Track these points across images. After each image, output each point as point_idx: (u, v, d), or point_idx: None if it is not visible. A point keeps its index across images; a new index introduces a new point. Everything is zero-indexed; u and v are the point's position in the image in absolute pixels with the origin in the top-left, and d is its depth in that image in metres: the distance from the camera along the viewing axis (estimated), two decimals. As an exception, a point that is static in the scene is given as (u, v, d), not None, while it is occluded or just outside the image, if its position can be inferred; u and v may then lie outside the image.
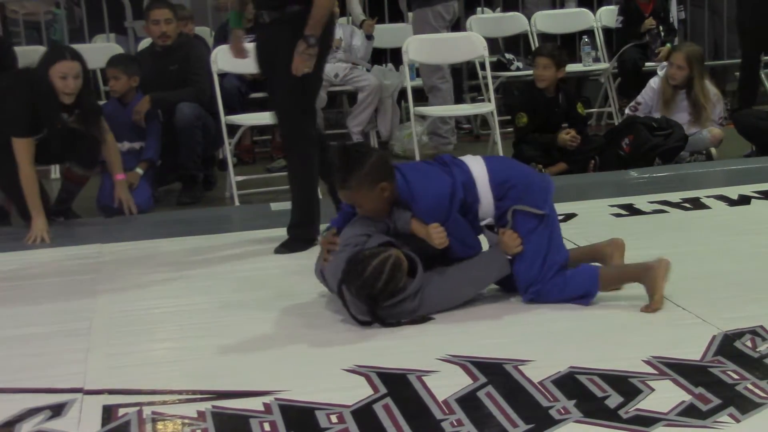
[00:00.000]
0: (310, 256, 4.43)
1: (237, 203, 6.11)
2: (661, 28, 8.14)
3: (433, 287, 3.56)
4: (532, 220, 3.59)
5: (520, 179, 3.63)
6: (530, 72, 7.13)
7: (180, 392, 3.03)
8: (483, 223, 3.64)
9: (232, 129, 6.47)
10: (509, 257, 3.61)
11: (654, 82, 6.83)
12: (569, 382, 2.96)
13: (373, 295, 3.43)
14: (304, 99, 4.52)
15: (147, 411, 2.90)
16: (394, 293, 3.46)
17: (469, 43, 6.85)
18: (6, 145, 5.00)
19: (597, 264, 3.78)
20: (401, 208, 3.59)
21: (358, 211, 3.65)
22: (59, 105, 5.01)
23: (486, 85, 7.09)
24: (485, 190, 3.59)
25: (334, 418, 2.80)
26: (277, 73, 4.48)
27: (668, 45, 7.75)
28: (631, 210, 5.14)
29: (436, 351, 3.24)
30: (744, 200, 5.22)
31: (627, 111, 6.94)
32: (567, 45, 8.69)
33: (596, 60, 8.35)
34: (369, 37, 7.72)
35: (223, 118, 6.28)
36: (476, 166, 3.63)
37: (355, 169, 3.52)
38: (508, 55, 8.54)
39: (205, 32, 8.16)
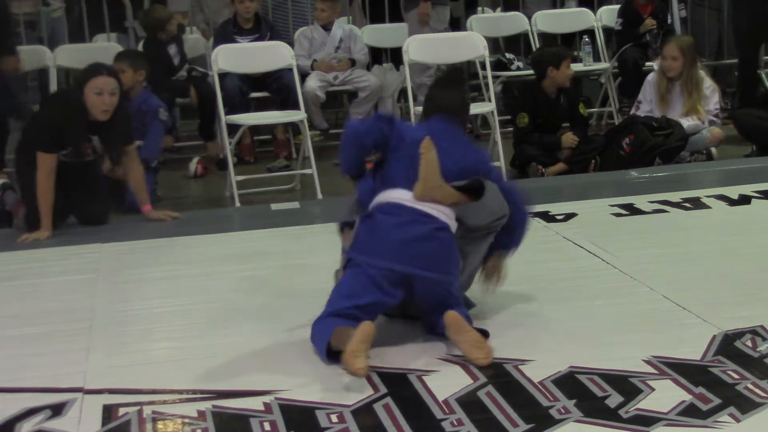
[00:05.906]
0: (310, 255, 4.45)
1: (237, 203, 6.11)
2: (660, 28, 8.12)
3: None
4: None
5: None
6: (530, 72, 7.13)
7: (180, 392, 3.04)
8: None
9: (233, 128, 6.46)
10: None
11: (651, 77, 6.82)
12: (569, 382, 2.97)
13: None
14: None
15: (147, 410, 2.90)
16: None
17: (469, 43, 6.84)
18: (33, 151, 5.06)
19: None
20: None
21: None
22: (87, 122, 5.03)
23: (486, 84, 7.08)
24: None
25: (334, 418, 2.80)
26: None
27: None
28: (632, 210, 5.13)
29: (436, 351, 3.24)
30: (744, 200, 5.21)
31: (632, 112, 6.92)
32: (567, 45, 8.70)
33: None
34: None
35: (224, 118, 6.28)
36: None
37: None
38: (508, 55, 8.53)
39: (196, 32, 8.17)
